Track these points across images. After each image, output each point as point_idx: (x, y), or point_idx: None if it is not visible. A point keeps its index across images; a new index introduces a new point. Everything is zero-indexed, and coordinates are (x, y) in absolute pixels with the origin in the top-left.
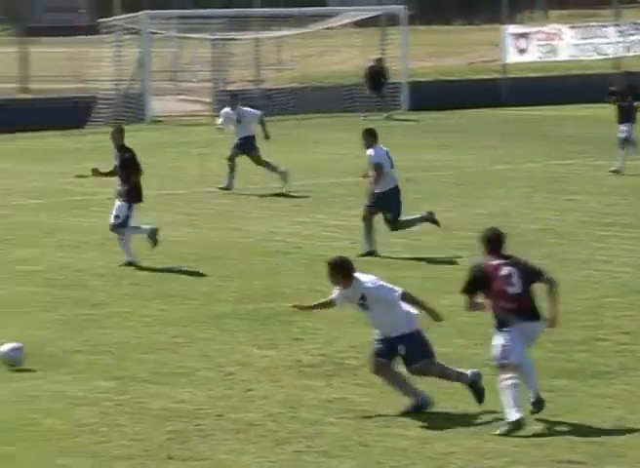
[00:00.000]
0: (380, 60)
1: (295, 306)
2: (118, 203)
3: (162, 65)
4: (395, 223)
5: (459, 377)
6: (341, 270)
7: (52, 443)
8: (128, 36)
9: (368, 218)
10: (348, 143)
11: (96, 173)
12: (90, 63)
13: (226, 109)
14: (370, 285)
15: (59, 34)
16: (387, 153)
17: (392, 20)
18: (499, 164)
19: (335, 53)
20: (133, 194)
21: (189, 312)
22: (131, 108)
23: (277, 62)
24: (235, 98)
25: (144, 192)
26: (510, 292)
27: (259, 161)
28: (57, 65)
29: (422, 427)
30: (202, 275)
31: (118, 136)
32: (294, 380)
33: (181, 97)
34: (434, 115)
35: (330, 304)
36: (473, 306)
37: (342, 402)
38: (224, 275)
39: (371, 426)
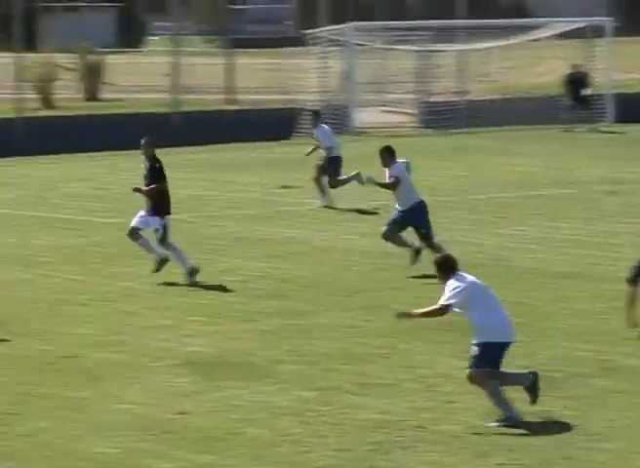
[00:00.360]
0: (577, 67)
1: (402, 314)
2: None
3: (366, 77)
4: (428, 239)
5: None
6: (445, 267)
7: (254, 452)
8: (333, 48)
9: (390, 238)
10: (552, 155)
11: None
12: (295, 75)
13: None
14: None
15: (264, 46)
16: (407, 168)
17: (598, 32)
18: None
19: (539, 64)
20: (159, 207)
21: (392, 323)
22: (335, 119)
23: (482, 74)
24: (316, 116)
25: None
26: None
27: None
28: (262, 77)
29: (626, 442)
30: (404, 286)
31: (147, 147)
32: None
33: (385, 108)
34: None
35: (440, 311)
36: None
37: (546, 415)
38: (427, 286)
39: (574, 439)
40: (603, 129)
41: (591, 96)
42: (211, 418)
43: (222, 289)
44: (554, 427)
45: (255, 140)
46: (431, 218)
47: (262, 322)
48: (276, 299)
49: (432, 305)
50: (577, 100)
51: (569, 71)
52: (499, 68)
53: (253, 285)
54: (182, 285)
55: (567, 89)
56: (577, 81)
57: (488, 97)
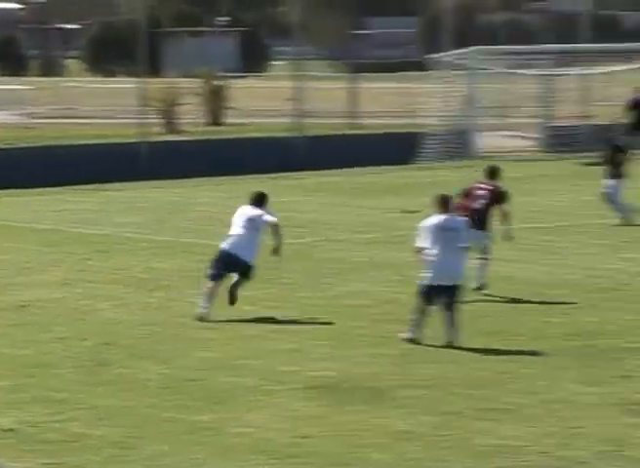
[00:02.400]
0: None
1: None
2: None
3: (488, 101)
4: None
5: None
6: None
7: None
8: (457, 72)
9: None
10: None
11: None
12: (418, 99)
13: None
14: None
15: (387, 70)
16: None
17: None
18: None
19: None
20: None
21: (516, 348)
22: (457, 144)
23: (606, 98)
24: None
25: None
26: None
27: None
28: (384, 101)
29: None
30: (529, 311)
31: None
32: (620, 418)
33: (507, 132)
34: None
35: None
36: None
37: None
38: (552, 311)
39: None
40: None
41: None
42: (335, 442)
43: (347, 313)
44: None
45: (377, 164)
46: (555, 243)
47: (385, 346)
48: (399, 324)
49: None
50: (634, 127)
51: (634, 96)
52: (623, 92)
53: (375, 309)
54: (308, 309)
55: (630, 114)
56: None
57: (612, 122)
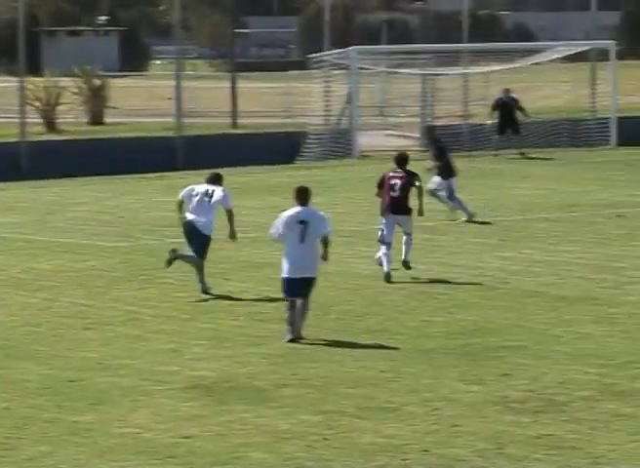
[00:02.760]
0: (507, 91)
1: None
2: None
3: (370, 100)
4: None
5: None
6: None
7: None
8: (337, 71)
9: None
10: (556, 179)
11: None
12: (299, 99)
13: None
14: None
15: (268, 70)
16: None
17: (602, 55)
18: None
19: (543, 88)
20: None
21: (397, 347)
22: (339, 143)
23: (485, 97)
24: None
25: (354, 227)
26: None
27: None
28: (266, 101)
29: (630, 466)
30: (410, 310)
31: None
32: (500, 416)
33: (389, 132)
34: None
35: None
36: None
37: (550, 438)
38: (433, 310)
39: (579, 463)
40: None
41: (516, 121)
42: (216, 442)
43: (227, 312)
44: (558, 451)
45: (259, 164)
46: (435, 242)
47: (266, 346)
48: (280, 323)
49: None
50: (507, 126)
51: (500, 96)
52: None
53: (257, 309)
54: (188, 309)
55: (496, 114)
56: (507, 106)
57: (490, 121)
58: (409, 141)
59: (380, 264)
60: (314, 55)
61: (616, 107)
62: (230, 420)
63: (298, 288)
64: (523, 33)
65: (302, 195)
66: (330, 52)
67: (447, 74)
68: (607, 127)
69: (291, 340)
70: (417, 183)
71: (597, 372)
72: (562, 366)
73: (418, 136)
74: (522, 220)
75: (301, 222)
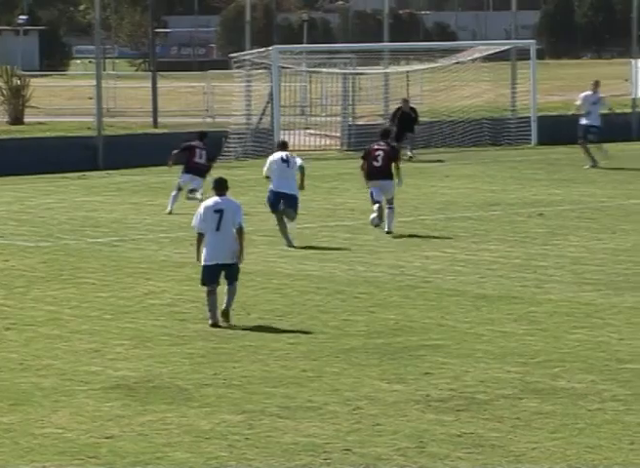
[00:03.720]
0: (406, 102)
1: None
2: None
3: (291, 100)
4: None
5: None
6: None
7: None
8: (258, 71)
9: None
10: (477, 177)
11: None
12: (220, 98)
13: None
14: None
15: (190, 69)
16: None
17: (522, 55)
18: (631, 198)
19: (464, 87)
20: None
21: (319, 346)
22: (261, 143)
23: (407, 97)
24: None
25: (272, 226)
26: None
27: None
28: (187, 100)
29: (551, 464)
30: (332, 309)
31: None
32: (422, 415)
33: (311, 131)
34: (563, 149)
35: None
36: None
37: (472, 437)
38: (355, 309)
39: (500, 461)
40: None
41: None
42: (137, 442)
43: (148, 312)
44: (480, 449)
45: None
46: (357, 241)
47: (188, 345)
48: (202, 323)
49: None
50: (404, 135)
51: (399, 106)
52: (423, 91)
53: (178, 308)
54: (109, 309)
55: (395, 121)
56: (405, 116)
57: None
58: (330, 141)
59: (377, 225)
60: (235, 54)
61: (536, 106)
62: (152, 420)
63: (215, 274)
64: (444, 33)
65: (220, 186)
66: (251, 51)
67: (368, 73)
68: (527, 126)
69: (213, 324)
70: (397, 162)
71: (518, 371)
72: (483, 364)
73: (339, 135)
74: (444, 219)
75: (217, 212)
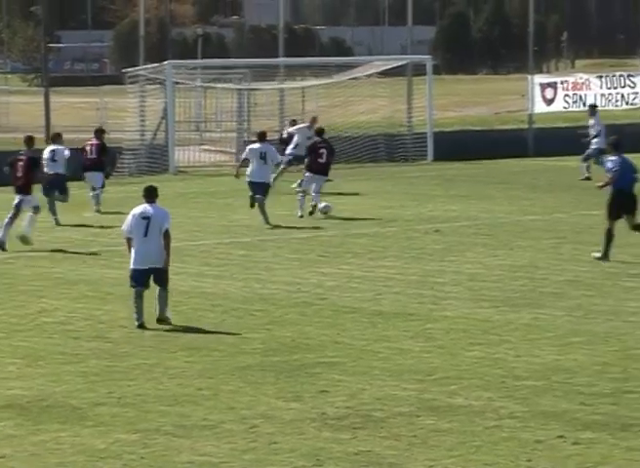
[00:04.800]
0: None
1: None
2: None
3: (186, 115)
4: None
5: None
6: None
7: None
8: (153, 86)
9: None
10: (374, 194)
11: None
12: (115, 114)
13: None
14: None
15: (83, 84)
16: None
17: (418, 70)
18: (527, 214)
19: (361, 103)
20: None
21: (215, 364)
22: (155, 159)
23: (302, 112)
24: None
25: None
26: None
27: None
28: (81, 116)
29: None
30: (228, 327)
31: None
32: (319, 433)
33: (205, 147)
34: (460, 165)
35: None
36: None
37: (368, 455)
38: (250, 326)
39: None
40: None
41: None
42: (30, 462)
43: (42, 330)
44: (377, 467)
45: (73, 180)
46: (252, 258)
47: (82, 364)
48: (96, 341)
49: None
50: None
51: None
52: (319, 107)
53: (72, 326)
54: (1, 327)
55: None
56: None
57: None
58: (225, 157)
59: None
60: (129, 69)
61: (432, 122)
62: (45, 440)
63: (142, 277)
64: (340, 48)
65: (149, 193)
66: (145, 66)
67: (263, 89)
68: (424, 142)
69: (140, 326)
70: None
71: (415, 388)
72: (380, 381)
73: (234, 151)
74: (340, 236)
75: (145, 218)
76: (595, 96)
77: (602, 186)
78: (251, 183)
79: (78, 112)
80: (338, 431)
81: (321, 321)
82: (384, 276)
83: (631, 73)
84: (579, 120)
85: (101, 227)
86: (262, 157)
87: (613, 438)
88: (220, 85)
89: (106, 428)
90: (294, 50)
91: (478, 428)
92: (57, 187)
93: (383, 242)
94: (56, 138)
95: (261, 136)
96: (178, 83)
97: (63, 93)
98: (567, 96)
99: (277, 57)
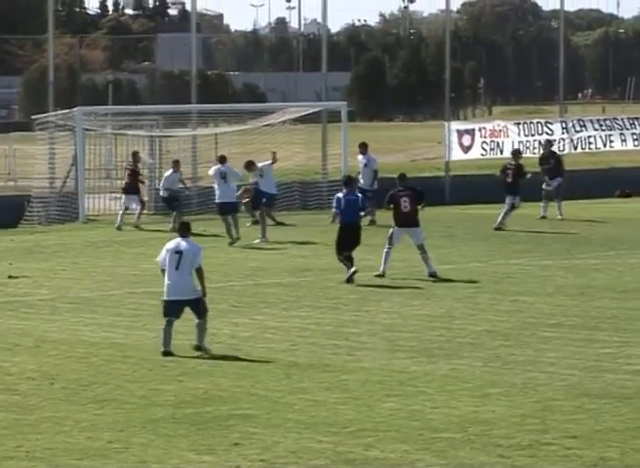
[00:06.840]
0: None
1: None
2: None
3: (97, 163)
4: None
5: None
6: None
7: None
8: (62, 133)
9: None
10: (288, 242)
11: None
12: (23, 161)
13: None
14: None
15: None
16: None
17: (333, 117)
18: (444, 264)
19: (275, 150)
20: None
21: (126, 416)
22: (65, 207)
23: (214, 160)
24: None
25: (80, 293)
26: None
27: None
28: None
29: None
30: (139, 378)
31: None
32: None
33: (116, 195)
34: (377, 213)
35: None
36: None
37: None
38: (162, 378)
39: None
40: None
41: None
42: None
43: None
44: None
45: None
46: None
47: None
48: (3, 393)
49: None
50: None
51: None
52: (232, 153)
53: None
54: None
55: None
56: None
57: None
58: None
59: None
60: (38, 116)
61: (347, 169)
62: None
63: (172, 308)
64: (253, 94)
65: (183, 228)
66: (54, 112)
67: (175, 136)
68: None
69: (164, 354)
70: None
71: (330, 441)
72: (295, 434)
73: (146, 199)
74: (253, 285)
75: (177, 252)
76: (513, 143)
77: (332, 221)
78: (220, 204)
79: None
80: None
81: (235, 372)
82: (299, 326)
83: (549, 120)
84: (496, 167)
85: (9, 277)
86: (223, 177)
87: None
88: (131, 132)
89: None
90: (206, 96)
91: None
92: None
93: (298, 291)
94: None
95: (222, 160)
96: (88, 130)
97: None
98: (484, 143)
99: (190, 103)
